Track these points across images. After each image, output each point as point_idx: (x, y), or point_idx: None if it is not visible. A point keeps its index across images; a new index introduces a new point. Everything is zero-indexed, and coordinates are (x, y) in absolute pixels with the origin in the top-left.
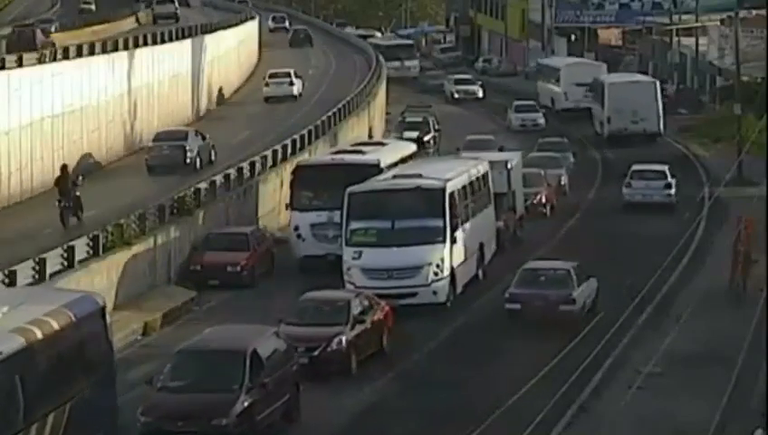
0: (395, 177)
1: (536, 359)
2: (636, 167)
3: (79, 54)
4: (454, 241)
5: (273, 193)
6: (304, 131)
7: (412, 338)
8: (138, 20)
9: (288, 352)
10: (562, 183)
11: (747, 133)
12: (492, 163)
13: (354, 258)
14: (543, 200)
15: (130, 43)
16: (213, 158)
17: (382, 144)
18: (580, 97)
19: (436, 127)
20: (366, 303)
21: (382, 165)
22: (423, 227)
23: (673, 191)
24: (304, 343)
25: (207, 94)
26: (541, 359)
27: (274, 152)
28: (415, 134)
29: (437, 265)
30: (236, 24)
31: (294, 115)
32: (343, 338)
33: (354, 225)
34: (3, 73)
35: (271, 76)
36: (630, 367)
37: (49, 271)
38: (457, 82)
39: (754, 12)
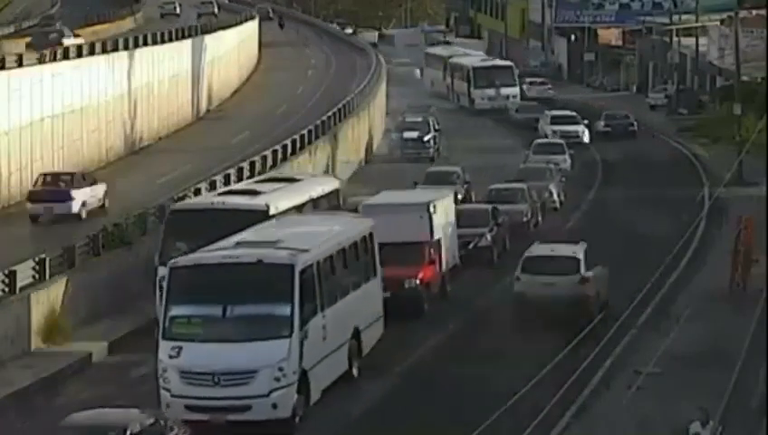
0: (238, 244)
1: (536, 359)
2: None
3: (79, 54)
4: (305, 335)
5: None
6: (304, 131)
7: None
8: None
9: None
10: (524, 219)
11: (747, 133)
12: (410, 206)
13: (172, 356)
14: (488, 242)
15: (130, 43)
16: None
17: (294, 181)
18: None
19: (437, 127)
20: (157, 426)
21: (274, 210)
22: (264, 316)
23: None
24: None
25: (207, 94)
26: (540, 359)
27: (274, 152)
28: (415, 134)
29: (280, 368)
30: (236, 24)
31: (294, 115)
32: None
33: (175, 310)
34: (3, 73)
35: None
36: (630, 367)
37: (48, 271)
38: (555, 120)
39: (754, 12)
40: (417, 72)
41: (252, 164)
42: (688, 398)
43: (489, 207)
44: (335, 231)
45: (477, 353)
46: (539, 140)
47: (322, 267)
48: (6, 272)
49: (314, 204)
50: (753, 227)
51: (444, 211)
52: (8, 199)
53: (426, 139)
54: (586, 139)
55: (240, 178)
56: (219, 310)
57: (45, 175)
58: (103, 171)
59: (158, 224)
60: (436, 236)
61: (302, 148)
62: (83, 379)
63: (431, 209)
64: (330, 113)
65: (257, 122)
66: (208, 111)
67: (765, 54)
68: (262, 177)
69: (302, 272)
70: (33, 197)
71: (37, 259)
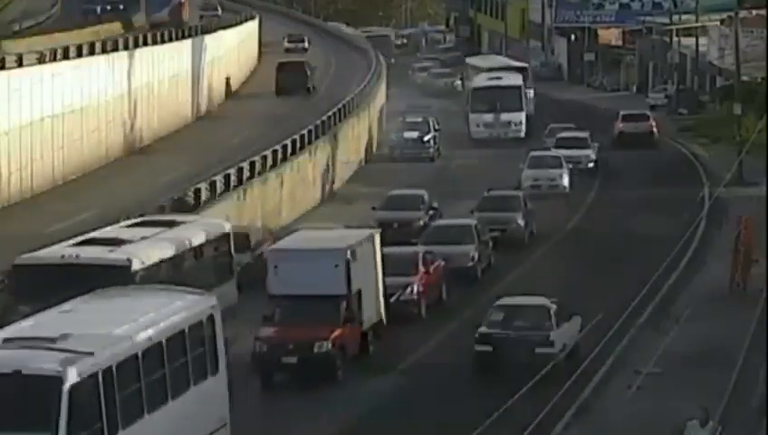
0: (6, 342)
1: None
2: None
3: (79, 54)
4: None
5: (274, 193)
6: (304, 131)
7: None
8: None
9: None
10: (470, 263)
11: (747, 133)
12: (324, 253)
13: None
14: (414, 295)
15: (130, 43)
16: None
17: (173, 225)
18: None
19: (437, 127)
20: None
21: (138, 265)
22: None
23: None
24: None
25: (207, 94)
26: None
27: (274, 152)
28: (415, 134)
29: None
30: (236, 24)
31: (294, 115)
32: None
33: None
34: (3, 73)
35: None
36: (630, 367)
37: None
38: (561, 142)
39: (754, 12)
40: (458, 82)
41: (252, 164)
42: (688, 398)
43: (420, 250)
44: (149, 318)
45: None
46: (534, 153)
47: (118, 374)
48: (6, 273)
49: (196, 254)
50: (753, 227)
51: (366, 257)
52: (8, 199)
53: (426, 139)
54: (590, 164)
55: (240, 179)
56: None
57: None
58: (103, 171)
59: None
60: (355, 288)
61: (302, 148)
62: None
63: (349, 256)
64: (330, 113)
65: (257, 122)
66: (208, 110)
67: (765, 54)
68: (135, 220)
69: (77, 386)
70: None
71: None
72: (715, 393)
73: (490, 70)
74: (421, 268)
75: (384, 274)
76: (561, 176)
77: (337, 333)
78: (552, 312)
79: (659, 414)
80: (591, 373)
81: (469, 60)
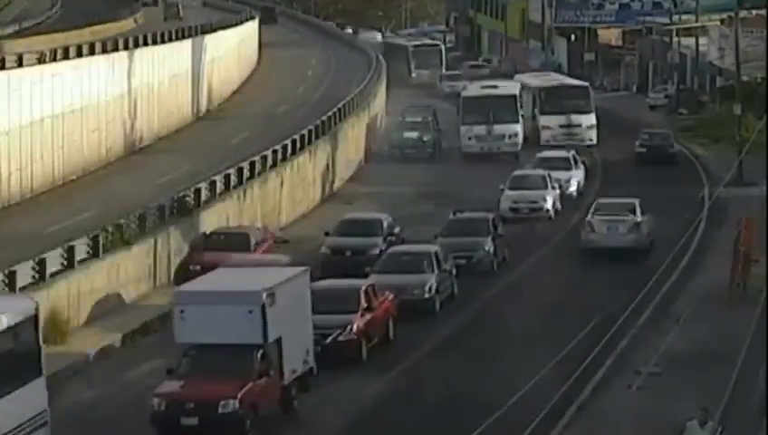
0: None
1: (536, 358)
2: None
3: (79, 54)
4: None
5: (274, 193)
6: (304, 131)
7: None
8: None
9: None
10: (427, 295)
11: (747, 133)
12: (237, 296)
13: None
14: (353, 335)
15: (130, 43)
16: None
17: None
18: None
19: (437, 127)
20: None
21: None
22: None
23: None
24: None
25: (207, 94)
26: (540, 358)
27: (274, 152)
28: (415, 134)
29: None
30: (236, 24)
31: (294, 115)
32: None
33: None
34: (3, 73)
35: None
36: (630, 367)
37: (49, 271)
38: (544, 163)
39: (754, 12)
40: None
41: (252, 164)
42: (688, 398)
43: (362, 284)
44: None
45: None
46: (518, 172)
47: None
48: (6, 272)
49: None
50: (753, 227)
51: (291, 299)
52: (8, 199)
53: (426, 139)
54: (573, 188)
55: (240, 179)
56: None
57: None
58: (103, 171)
59: (158, 223)
60: (273, 336)
61: (302, 148)
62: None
63: (266, 300)
64: (330, 113)
65: (257, 122)
66: (208, 110)
67: (765, 54)
68: None
69: None
70: None
71: (37, 259)
72: (715, 393)
73: (541, 87)
74: (363, 304)
75: (319, 311)
76: (543, 198)
77: (247, 389)
78: (672, 135)
79: (659, 414)
80: (591, 373)
81: (518, 76)
